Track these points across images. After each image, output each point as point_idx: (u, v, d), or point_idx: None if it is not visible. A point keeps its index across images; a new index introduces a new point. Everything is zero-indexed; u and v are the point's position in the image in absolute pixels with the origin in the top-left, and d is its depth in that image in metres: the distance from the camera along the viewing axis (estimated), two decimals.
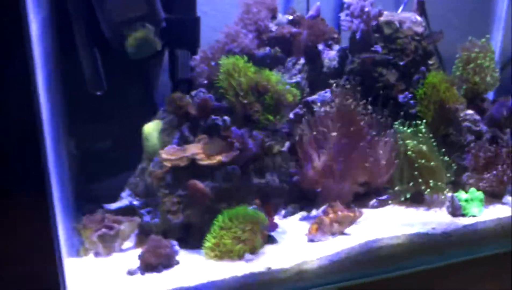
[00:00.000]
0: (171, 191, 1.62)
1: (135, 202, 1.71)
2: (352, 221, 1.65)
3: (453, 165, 1.92)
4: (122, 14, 1.63)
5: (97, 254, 1.59)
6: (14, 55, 1.08)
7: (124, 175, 1.84)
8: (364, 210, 1.77)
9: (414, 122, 1.88)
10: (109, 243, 1.56)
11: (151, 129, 1.71)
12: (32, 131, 1.11)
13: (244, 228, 1.56)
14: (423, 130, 1.84)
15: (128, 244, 1.66)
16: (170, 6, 1.78)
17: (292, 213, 1.91)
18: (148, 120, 1.76)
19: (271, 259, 1.55)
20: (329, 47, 2.04)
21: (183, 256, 1.58)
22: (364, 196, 1.92)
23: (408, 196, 1.87)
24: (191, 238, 1.63)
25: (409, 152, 1.82)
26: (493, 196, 1.94)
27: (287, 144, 1.85)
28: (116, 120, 1.81)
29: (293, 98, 1.69)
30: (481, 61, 1.97)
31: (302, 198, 1.87)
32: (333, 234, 1.65)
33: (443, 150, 1.90)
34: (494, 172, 1.87)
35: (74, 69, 1.69)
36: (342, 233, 1.67)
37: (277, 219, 1.84)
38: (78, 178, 1.79)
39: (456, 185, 1.95)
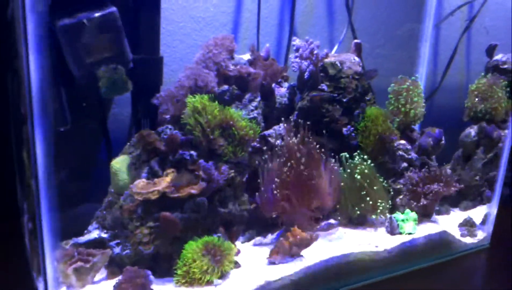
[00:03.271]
0: (142, 223, 1.71)
1: (104, 235, 1.77)
2: (308, 244, 1.83)
3: (390, 189, 2.18)
4: (92, 55, 1.71)
5: (70, 287, 1.63)
6: None
7: (84, 207, 1.89)
8: (316, 233, 1.98)
9: (358, 151, 2.12)
10: (84, 275, 1.61)
11: (120, 164, 1.79)
12: None
13: (213, 256, 1.69)
14: (366, 158, 2.08)
15: (99, 276, 1.72)
16: (135, 46, 1.89)
17: (250, 239, 2.08)
18: (110, 154, 1.84)
19: (238, 282, 1.69)
20: (279, 84, 2.24)
21: (154, 285, 1.67)
22: (314, 220, 2.13)
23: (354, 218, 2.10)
24: (161, 268, 1.72)
25: (358, 178, 2.05)
26: (424, 215, 2.23)
27: (247, 175, 2.01)
28: (77, 153, 1.87)
29: (253, 133, 1.85)
30: (412, 93, 2.27)
31: (258, 225, 2.03)
32: (292, 256, 1.82)
33: (382, 176, 2.15)
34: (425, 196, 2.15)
35: None
36: (299, 255, 1.84)
37: (238, 244, 1.99)
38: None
39: (392, 207, 2.22)
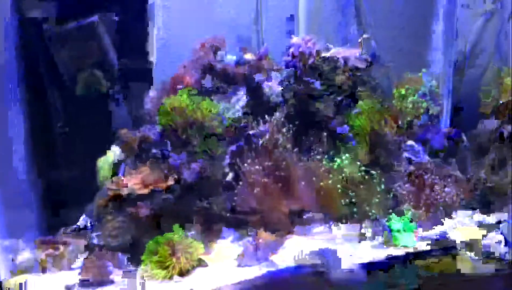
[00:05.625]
0: (113, 217, 1.83)
1: (88, 226, 1.93)
2: (275, 248, 1.77)
3: (390, 193, 1.99)
4: (76, 61, 1.88)
5: (48, 270, 1.81)
6: None
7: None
8: (299, 237, 1.90)
9: (346, 153, 1.98)
10: (56, 261, 1.77)
11: (103, 162, 1.94)
12: None
13: (173, 252, 1.73)
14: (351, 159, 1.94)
15: (78, 263, 1.88)
16: (126, 52, 2.03)
17: (240, 239, 2.05)
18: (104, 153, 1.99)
19: (196, 281, 1.70)
20: (272, 82, 2.20)
21: (119, 276, 1.76)
22: (303, 223, 2.04)
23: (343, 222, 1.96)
24: (129, 260, 1.81)
25: (342, 180, 1.92)
26: (435, 224, 1.99)
27: (231, 174, 2.02)
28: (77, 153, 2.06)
29: (223, 131, 1.86)
30: (414, 98, 2.06)
31: (240, 224, 2.01)
32: (258, 259, 1.78)
33: (377, 178, 1.97)
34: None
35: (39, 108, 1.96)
36: (267, 259, 1.78)
37: (226, 243, 2.00)
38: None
39: (397, 213, 2.01)
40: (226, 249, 1.96)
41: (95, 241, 1.87)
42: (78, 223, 1.95)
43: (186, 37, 2.40)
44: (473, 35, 2.63)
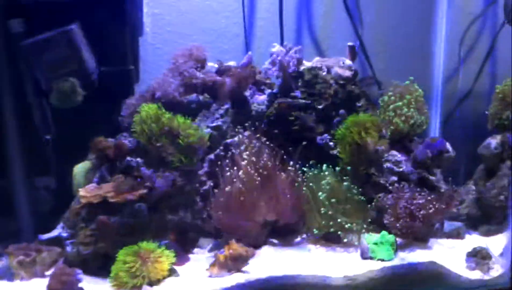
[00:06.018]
0: (86, 225, 1.82)
1: (64, 234, 1.92)
2: (245, 260, 1.73)
3: (371, 205, 1.94)
4: (52, 70, 1.89)
5: (22, 278, 1.81)
6: None
7: None
8: (273, 248, 1.87)
9: (325, 163, 1.94)
10: (28, 268, 1.77)
11: (78, 169, 1.93)
12: None
13: (143, 262, 1.71)
14: (330, 170, 1.89)
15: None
16: (106, 60, 2.03)
17: (207, 248, 2.02)
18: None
19: None
20: (262, 92, 2.17)
21: (92, 284, 1.76)
22: (285, 234, 2.00)
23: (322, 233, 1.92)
24: (101, 269, 1.80)
25: (321, 191, 1.88)
26: (417, 239, 1.92)
27: (208, 182, 2.00)
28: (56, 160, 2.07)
29: (198, 140, 1.84)
30: (398, 104, 2.00)
31: (218, 234, 1.98)
32: (229, 271, 1.74)
33: (357, 189, 1.92)
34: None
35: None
36: (239, 271, 1.75)
37: (204, 253, 1.97)
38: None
39: (381, 227, 1.95)
40: (202, 259, 1.94)
41: (68, 248, 1.87)
42: (54, 231, 1.95)
43: (176, 44, 2.40)
44: (468, 40, 2.57)
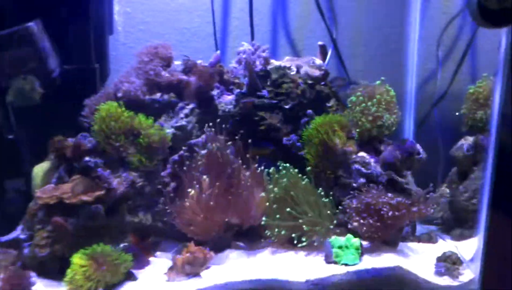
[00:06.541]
0: (43, 227, 1.77)
1: (22, 236, 1.87)
2: (203, 263, 1.68)
3: (338, 207, 1.88)
4: (12, 67, 1.85)
5: None
6: None
7: None
8: (236, 251, 1.81)
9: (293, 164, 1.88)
10: None
11: (38, 169, 1.88)
12: None
13: (99, 265, 1.66)
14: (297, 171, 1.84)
15: None
16: (70, 57, 1.99)
17: (171, 252, 1.96)
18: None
19: None
20: (231, 92, 2.12)
21: (49, 288, 1.70)
22: (250, 238, 1.94)
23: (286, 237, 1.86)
24: (57, 271, 1.75)
25: (276, 191, 1.82)
26: (385, 243, 1.86)
27: (172, 184, 1.94)
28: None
29: (159, 140, 1.78)
30: (364, 105, 1.94)
31: (183, 236, 1.93)
32: (187, 275, 1.69)
33: (323, 191, 1.87)
34: (374, 218, 1.80)
35: None
36: (197, 275, 1.69)
37: (168, 256, 1.91)
38: None
39: (349, 230, 1.90)
40: (163, 263, 1.88)
41: (26, 251, 1.82)
42: (13, 233, 1.89)
43: (149, 43, 2.35)
44: (447, 40, 2.51)
